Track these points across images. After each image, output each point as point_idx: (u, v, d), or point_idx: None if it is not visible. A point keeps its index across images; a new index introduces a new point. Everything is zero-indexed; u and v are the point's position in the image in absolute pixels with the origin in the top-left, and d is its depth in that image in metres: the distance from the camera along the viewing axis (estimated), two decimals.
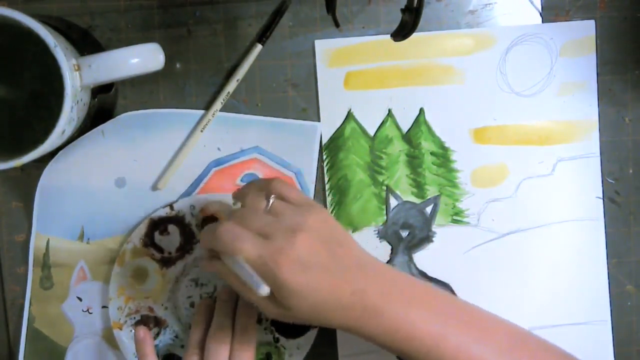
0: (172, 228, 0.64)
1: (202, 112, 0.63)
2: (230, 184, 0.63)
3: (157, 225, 0.63)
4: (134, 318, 0.64)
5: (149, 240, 0.63)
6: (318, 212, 0.50)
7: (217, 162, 0.63)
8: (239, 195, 0.54)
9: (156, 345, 0.64)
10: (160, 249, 0.63)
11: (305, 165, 0.63)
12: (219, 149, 0.63)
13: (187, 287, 0.65)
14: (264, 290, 0.45)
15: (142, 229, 0.62)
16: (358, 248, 0.51)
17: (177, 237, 0.64)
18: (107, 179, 0.63)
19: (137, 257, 0.63)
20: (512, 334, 0.52)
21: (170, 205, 0.63)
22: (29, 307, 0.64)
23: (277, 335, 0.64)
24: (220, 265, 0.51)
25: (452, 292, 0.65)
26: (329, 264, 0.48)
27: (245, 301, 0.59)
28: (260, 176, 0.63)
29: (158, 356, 0.64)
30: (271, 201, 0.50)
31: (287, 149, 0.63)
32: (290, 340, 0.63)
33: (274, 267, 0.46)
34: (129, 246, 0.63)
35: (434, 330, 0.49)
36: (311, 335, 0.63)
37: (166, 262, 0.63)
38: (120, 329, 0.63)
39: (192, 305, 0.65)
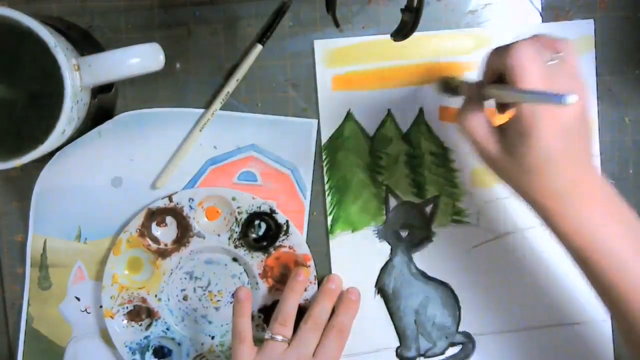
0: (169, 220, 0.64)
1: (199, 110, 0.63)
2: (227, 182, 0.63)
3: (155, 215, 0.63)
4: (127, 307, 0.64)
5: (145, 231, 0.63)
6: (586, 94, 0.49)
7: (214, 161, 0.63)
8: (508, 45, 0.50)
9: (147, 337, 0.64)
10: (156, 240, 0.63)
11: (302, 163, 0.63)
12: (215, 147, 0.63)
13: (181, 280, 0.65)
14: (573, 98, 0.41)
15: (140, 219, 0.63)
16: (593, 147, 0.52)
17: (174, 229, 0.64)
18: (104, 178, 0.63)
19: (133, 246, 0.63)
20: None
21: (169, 197, 0.63)
22: (28, 308, 0.64)
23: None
24: (499, 88, 0.50)
25: (452, 292, 0.65)
26: (579, 143, 0.48)
27: (349, 297, 0.63)
28: (257, 174, 0.63)
29: (149, 348, 0.64)
30: (558, 57, 0.48)
31: (284, 146, 0.63)
32: None
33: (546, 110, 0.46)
34: (126, 235, 0.63)
35: (622, 251, 0.49)
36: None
37: (162, 253, 0.63)
38: (112, 317, 0.64)
39: (185, 298, 0.65)
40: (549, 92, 0.43)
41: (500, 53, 0.48)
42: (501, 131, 0.50)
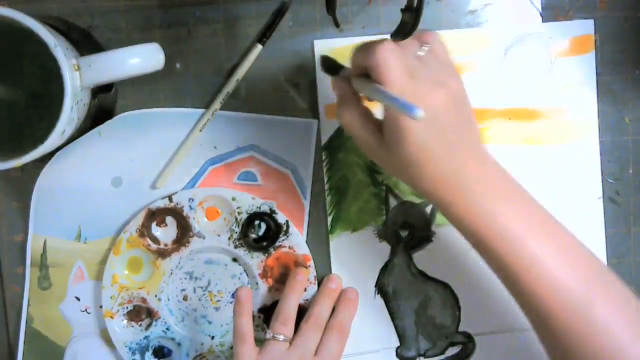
0: (169, 220, 0.64)
1: (199, 110, 0.63)
2: (227, 182, 0.63)
3: (155, 215, 0.63)
4: (127, 308, 0.64)
5: (145, 231, 0.63)
6: (460, 80, 0.49)
7: (214, 161, 0.63)
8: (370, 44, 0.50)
9: (147, 337, 0.64)
10: (156, 240, 0.63)
11: (302, 163, 0.63)
12: (215, 147, 0.63)
13: (181, 280, 0.65)
14: (419, 113, 0.41)
15: (140, 219, 0.63)
16: (478, 130, 0.51)
17: (174, 229, 0.64)
18: (104, 178, 0.63)
19: (133, 247, 0.63)
20: (592, 263, 0.50)
21: (169, 197, 0.63)
22: (28, 308, 0.64)
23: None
24: (362, 83, 0.50)
25: (452, 292, 0.65)
26: (454, 130, 0.48)
27: (347, 297, 0.63)
28: (257, 174, 0.63)
29: (148, 348, 0.64)
30: (426, 48, 0.49)
31: (284, 146, 0.63)
32: None
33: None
34: (126, 235, 0.63)
35: (516, 230, 0.48)
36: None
37: (161, 253, 0.63)
38: (112, 317, 0.64)
39: (184, 298, 0.65)
40: (401, 100, 0.43)
41: (364, 51, 0.48)
42: (379, 125, 0.50)
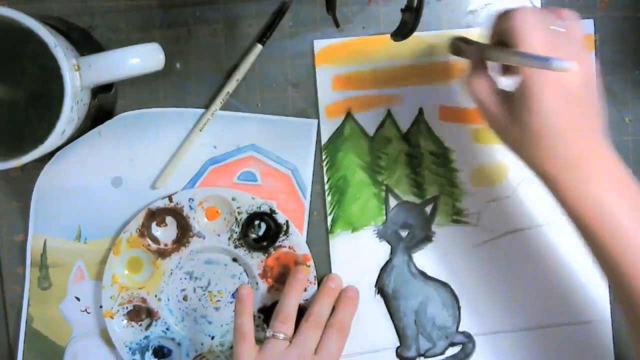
0: (169, 220, 0.64)
1: (198, 110, 0.63)
2: (227, 182, 0.63)
3: (155, 215, 0.63)
4: (127, 308, 0.64)
5: (145, 231, 0.63)
6: (593, 66, 0.49)
7: (214, 161, 0.63)
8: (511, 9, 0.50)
9: (147, 337, 0.64)
10: (156, 240, 0.63)
11: (302, 163, 0.63)
12: (215, 147, 0.63)
13: (181, 280, 0.65)
14: (572, 65, 0.41)
15: (140, 219, 0.63)
16: (603, 119, 0.50)
17: (174, 229, 0.64)
18: (104, 178, 0.63)
19: (133, 247, 0.63)
20: None
21: (169, 197, 0.63)
22: (28, 308, 0.64)
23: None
24: (500, 50, 0.49)
25: (452, 292, 0.65)
26: (583, 113, 0.48)
27: (347, 295, 0.63)
28: (257, 174, 0.63)
29: (148, 348, 0.64)
30: (561, 23, 0.48)
31: (284, 146, 0.63)
32: None
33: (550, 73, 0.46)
34: (126, 235, 0.63)
35: (625, 224, 0.48)
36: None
37: (161, 253, 0.63)
38: (112, 317, 0.64)
39: (184, 298, 0.65)
40: (549, 56, 0.43)
41: (504, 16, 0.48)
42: (506, 95, 0.50)
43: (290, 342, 0.59)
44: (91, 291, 0.64)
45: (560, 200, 0.50)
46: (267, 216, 0.63)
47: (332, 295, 0.63)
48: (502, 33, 0.49)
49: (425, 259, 0.65)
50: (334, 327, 0.61)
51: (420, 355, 0.65)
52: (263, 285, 0.64)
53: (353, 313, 0.63)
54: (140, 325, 0.65)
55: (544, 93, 0.46)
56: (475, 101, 0.51)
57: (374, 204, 0.64)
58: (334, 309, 0.63)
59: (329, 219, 0.64)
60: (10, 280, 0.64)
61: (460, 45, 0.56)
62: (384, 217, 0.64)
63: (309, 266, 0.63)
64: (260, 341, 0.59)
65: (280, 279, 0.64)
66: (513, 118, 0.49)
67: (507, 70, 0.53)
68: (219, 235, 0.63)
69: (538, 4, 0.63)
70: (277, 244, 0.63)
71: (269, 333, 0.59)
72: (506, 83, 0.51)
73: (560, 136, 0.47)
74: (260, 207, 0.63)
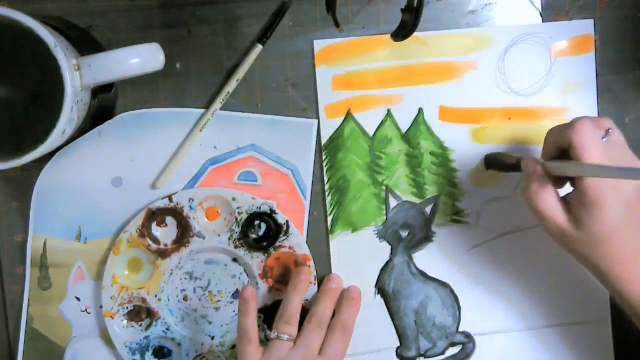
0: (169, 220, 0.64)
1: (199, 110, 0.63)
2: (227, 182, 0.63)
3: (155, 215, 0.63)
4: (127, 307, 0.64)
5: (145, 231, 0.63)
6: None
7: (214, 161, 0.63)
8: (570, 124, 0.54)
9: (147, 337, 0.64)
10: (156, 240, 0.64)
11: (302, 163, 0.64)
12: (215, 147, 0.63)
13: (181, 280, 0.65)
14: None
15: (140, 219, 0.63)
16: None
17: (174, 229, 0.64)
18: (104, 178, 0.63)
19: (133, 247, 0.63)
20: None
21: (169, 197, 0.63)
22: (28, 308, 0.64)
23: (268, 332, 0.64)
24: (564, 163, 0.53)
25: (452, 291, 0.65)
26: (637, 212, 0.51)
27: (350, 296, 0.63)
28: (257, 174, 0.63)
29: (148, 348, 0.64)
30: (610, 131, 0.52)
31: (284, 146, 0.63)
32: None
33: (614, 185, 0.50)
34: (126, 235, 0.63)
35: None
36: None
37: (161, 253, 0.63)
38: (112, 317, 0.64)
39: (184, 298, 0.65)
40: (633, 167, 0.49)
41: (562, 131, 0.52)
42: (565, 204, 0.53)
43: (294, 343, 0.59)
44: (91, 291, 0.64)
45: (616, 292, 0.53)
46: (267, 216, 0.63)
47: (333, 295, 0.63)
48: (561, 147, 0.53)
49: (425, 258, 0.65)
50: (337, 328, 0.61)
51: (420, 355, 0.65)
52: (263, 285, 0.64)
53: (356, 313, 0.63)
54: (140, 325, 0.65)
55: (607, 201, 0.49)
56: (539, 213, 0.53)
57: (373, 204, 0.64)
58: (336, 308, 0.63)
59: (329, 219, 0.64)
60: (10, 280, 0.64)
61: (504, 159, 0.61)
62: (384, 217, 0.64)
63: (310, 266, 0.63)
64: (261, 341, 0.59)
65: (281, 278, 0.64)
66: (574, 225, 0.52)
67: (558, 180, 0.55)
68: (219, 235, 0.63)
69: (538, 5, 0.63)
70: (277, 244, 0.63)
71: (273, 334, 0.59)
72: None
73: (619, 237, 0.51)
74: (260, 207, 0.63)
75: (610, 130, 0.52)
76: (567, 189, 0.54)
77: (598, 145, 0.50)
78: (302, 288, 0.62)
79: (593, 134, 0.50)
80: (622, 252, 0.51)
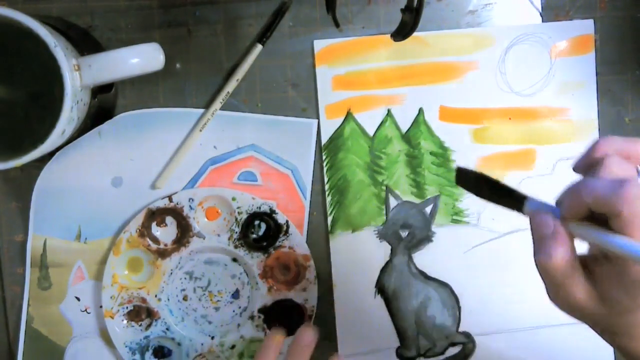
0: (169, 220, 0.64)
1: (199, 110, 0.63)
2: (227, 182, 0.63)
3: (155, 215, 0.63)
4: (127, 307, 0.64)
5: (145, 231, 0.63)
6: None
7: (213, 161, 0.63)
8: (594, 153, 0.42)
9: (147, 337, 0.64)
10: (156, 240, 0.64)
11: (302, 163, 0.64)
12: (215, 147, 0.63)
13: (181, 280, 0.65)
14: None
15: (140, 219, 0.63)
16: None
17: (174, 229, 0.64)
18: (104, 178, 0.63)
19: (133, 247, 0.63)
20: None
21: (169, 197, 0.63)
22: (28, 308, 0.64)
23: (268, 332, 0.64)
24: (592, 230, 0.40)
25: (452, 292, 0.65)
26: None
27: (297, 345, 0.54)
28: (257, 174, 0.63)
29: (149, 348, 0.64)
30: None
31: (284, 146, 0.63)
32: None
33: None
34: (126, 235, 0.63)
35: None
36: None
37: (162, 253, 0.63)
38: (112, 317, 0.64)
39: (184, 298, 0.65)
40: None
41: (606, 196, 0.38)
42: (587, 274, 0.42)
43: None
44: (91, 291, 0.64)
45: (629, 353, 0.44)
46: (267, 216, 0.63)
47: (307, 354, 0.54)
48: (598, 211, 0.39)
49: (425, 259, 0.65)
50: None
51: (420, 355, 0.65)
52: (263, 285, 0.64)
53: None
54: (140, 325, 0.65)
55: None
56: (553, 279, 0.42)
57: (374, 204, 0.64)
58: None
59: (329, 219, 0.64)
60: (10, 280, 0.64)
61: (492, 184, 0.46)
62: (384, 217, 0.64)
63: (310, 265, 0.63)
64: (260, 341, 0.59)
65: (281, 279, 0.64)
66: (602, 302, 0.41)
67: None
68: (219, 235, 0.63)
69: (538, 5, 0.63)
70: (277, 244, 0.63)
71: None
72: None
73: None
74: (260, 207, 0.63)
75: None
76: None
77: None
78: (303, 356, 0.54)
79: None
80: None
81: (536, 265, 0.42)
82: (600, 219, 0.39)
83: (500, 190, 0.45)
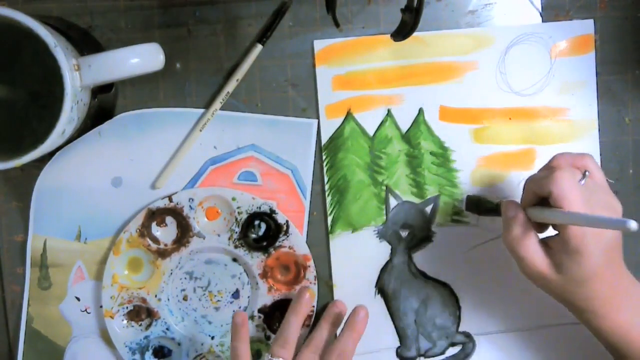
0: (169, 220, 0.64)
1: (199, 110, 0.63)
2: (227, 182, 0.63)
3: (155, 215, 0.63)
4: (127, 307, 0.64)
5: (145, 231, 0.63)
6: (618, 202, 0.54)
7: (214, 161, 0.63)
8: (549, 164, 0.56)
9: (147, 337, 0.64)
10: (156, 240, 0.64)
11: (301, 163, 0.64)
12: (215, 147, 0.63)
13: (181, 280, 0.65)
14: (633, 224, 0.45)
15: (140, 219, 0.63)
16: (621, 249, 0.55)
17: (174, 229, 0.64)
18: (104, 178, 0.63)
19: (133, 246, 0.63)
20: None
21: (169, 197, 0.63)
22: (28, 308, 0.64)
23: (268, 332, 0.64)
24: (543, 211, 0.53)
25: (452, 292, 0.65)
26: (613, 251, 0.53)
27: (354, 319, 0.61)
28: (257, 174, 0.63)
29: (148, 348, 0.64)
30: (587, 174, 0.53)
31: (284, 146, 0.63)
32: None
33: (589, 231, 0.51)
34: (126, 235, 0.63)
35: None
36: (303, 334, 0.63)
37: (161, 253, 0.63)
38: (112, 317, 0.64)
39: (184, 298, 0.65)
40: (611, 218, 0.50)
41: (541, 181, 0.52)
42: (546, 248, 0.53)
43: None
44: (91, 291, 0.64)
45: (593, 327, 0.55)
46: (267, 216, 0.63)
47: (335, 321, 0.62)
48: (540, 196, 0.53)
49: (425, 259, 0.65)
50: (333, 354, 0.59)
51: (420, 355, 0.65)
52: (263, 285, 0.64)
53: (357, 339, 0.61)
54: (140, 325, 0.65)
55: (589, 247, 0.50)
56: (520, 257, 0.54)
57: (374, 204, 0.64)
58: (339, 333, 0.61)
59: (329, 219, 0.64)
60: (10, 280, 0.64)
61: (484, 203, 0.63)
62: (384, 217, 0.64)
63: (310, 265, 0.63)
64: (260, 342, 0.59)
65: (281, 279, 0.64)
66: (556, 269, 0.53)
67: (540, 225, 0.55)
68: (219, 235, 0.63)
69: (538, 5, 0.63)
70: (277, 244, 0.63)
71: (267, 357, 0.58)
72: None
73: (600, 280, 0.52)
74: (260, 207, 0.63)
75: (587, 173, 0.53)
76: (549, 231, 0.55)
77: (577, 193, 0.51)
78: (303, 312, 0.61)
79: (571, 182, 0.51)
80: (600, 291, 0.53)
81: (504, 243, 0.55)
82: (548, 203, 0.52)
83: (488, 205, 0.63)
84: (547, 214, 0.52)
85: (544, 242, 0.54)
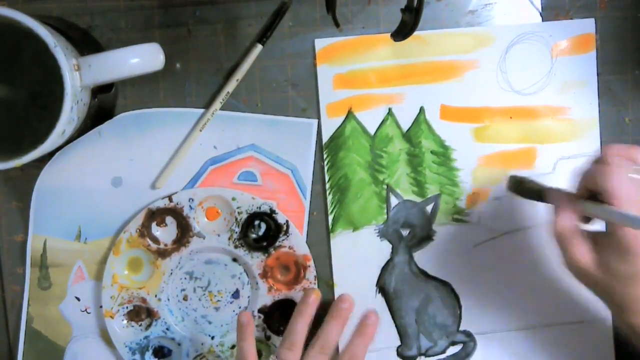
0: (169, 220, 0.64)
1: (199, 110, 0.63)
2: (227, 182, 0.63)
3: (155, 215, 0.63)
4: (127, 307, 0.64)
5: (145, 231, 0.63)
6: None
7: (214, 161, 0.63)
8: (601, 157, 0.53)
9: (147, 337, 0.64)
10: (156, 240, 0.63)
11: (302, 163, 0.64)
12: (215, 147, 0.63)
13: (181, 280, 0.65)
14: None
15: (140, 219, 0.63)
16: None
17: (174, 229, 0.64)
18: (104, 178, 0.63)
19: (133, 247, 0.63)
20: None
21: (169, 197, 0.63)
22: (28, 308, 0.64)
23: (268, 333, 0.64)
24: (595, 206, 0.51)
25: (453, 290, 0.65)
26: None
27: (365, 322, 0.62)
28: (257, 174, 0.63)
29: (149, 348, 0.64)
30: (637, 169, 0.51)
31: (284, 146, 0.63)
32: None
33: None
34: (126, 235, 0.63)
35: None
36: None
37: (162, 253, 0.63)
38: (112, 317, 0.64)
39: (184, 298, 0.65)
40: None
41: (595, 177, 0.51)
42: (593, 243, 0.52)
43: None
44: (91, 291, 0.64)
45: (629, 326, 0.52)
46: (267, 216, 0.63)
47: (342, 318, 0.62)
48: (594, 190, 0.51)
49: (426, 258, 0.65)
50: (343, 359, 0.59)
51: (421, 354, 0.65)
52: (263, 285, 0.64)
53: (368, 344, 0.62)
54: (140, 325, 0.65)
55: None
56: (564, 248, 0.52)
57: (375, 203, 0.64)
58: (350, 337, 0.62)
59: (330, 218, 0.64)
60: (10, 280, 0.64)
61: (529, 185, 0.59)
62: (385, 216, 0.64)
63: (311, 266, 0.63)
64: (261, 341, 0.59)
65: (281, 279, 0.64)
66: (601, 265, 0.51)
67: (586, 219, 0.54)
68: (219, 235, 0.63)
69: (538, 5, 0.63)
70: (277, 244, 0.63)
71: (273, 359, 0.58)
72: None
73: None
74: (260, 207, 0.63)
75: (638, 167, 0.51)
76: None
77: (632, 193, 0.49)
78: (309, 313, 0.61)
79: (626, 180, 0.49)
80: None
81: (552, 233, 0.53)
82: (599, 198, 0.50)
83: (534, 187, 0.59)
84: (600, 212, 0.51)
85: (592, 237, 0.52)
